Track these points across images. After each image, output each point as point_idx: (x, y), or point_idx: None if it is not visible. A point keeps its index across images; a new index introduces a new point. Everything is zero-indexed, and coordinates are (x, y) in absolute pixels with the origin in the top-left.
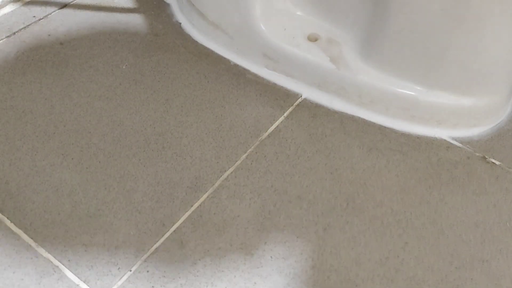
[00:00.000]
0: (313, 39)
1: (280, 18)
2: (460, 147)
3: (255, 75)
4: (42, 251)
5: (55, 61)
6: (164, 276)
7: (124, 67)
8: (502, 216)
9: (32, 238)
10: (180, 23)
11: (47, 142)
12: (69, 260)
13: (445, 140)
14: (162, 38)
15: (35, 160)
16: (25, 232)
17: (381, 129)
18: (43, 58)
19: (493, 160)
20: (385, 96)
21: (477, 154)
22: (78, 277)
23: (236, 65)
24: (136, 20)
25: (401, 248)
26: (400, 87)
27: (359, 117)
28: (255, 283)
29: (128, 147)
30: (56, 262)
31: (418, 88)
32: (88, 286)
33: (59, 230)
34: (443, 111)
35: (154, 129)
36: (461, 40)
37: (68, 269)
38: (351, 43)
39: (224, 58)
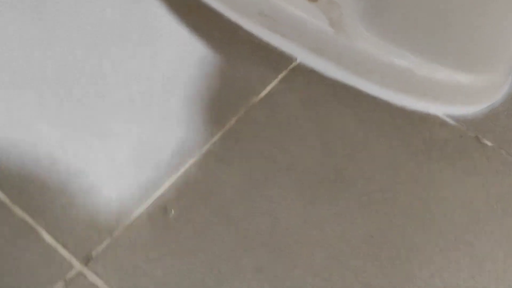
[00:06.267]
0: None
1: None
2: (453, 125)
3: (248, 33)
4: (17, 209)
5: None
6: (146, 244)
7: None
8: (490, 197)
9: (6, 194)
10: None
11: (23, 93)
12: (46, 222)
13: (439, 117)
14: None
15: (11, 111)
16: None
17: (376, 100)
18: None
19: (486, 141)
20: (382, 66)
21: (470, 134)
22: (56, 240)
23: (228, 20)
24: None
25: (387, 226)
26: (399, 56)
27: (354, 86)
28: (239, 256)
29: (111, 103)
30: (32, 223)
31: (417, 59)
32: (66, 250)
33: (36, 187)
34: (439, 86)
35: (139, 87)
36: (466, 13)
37: (46, 231)
38: (352, 6)
39: (216, 11)
